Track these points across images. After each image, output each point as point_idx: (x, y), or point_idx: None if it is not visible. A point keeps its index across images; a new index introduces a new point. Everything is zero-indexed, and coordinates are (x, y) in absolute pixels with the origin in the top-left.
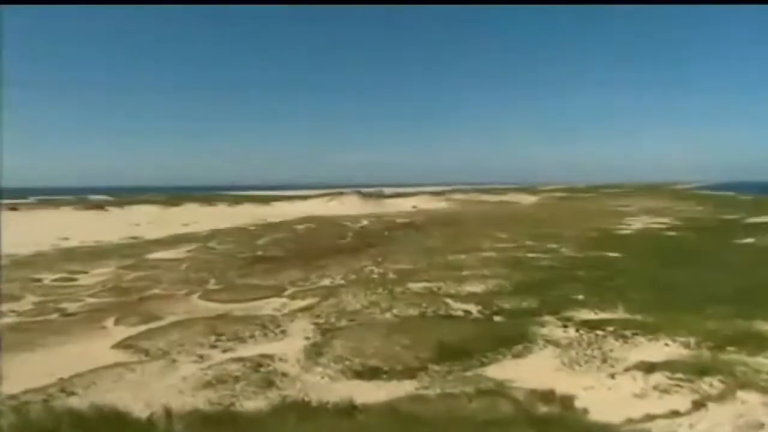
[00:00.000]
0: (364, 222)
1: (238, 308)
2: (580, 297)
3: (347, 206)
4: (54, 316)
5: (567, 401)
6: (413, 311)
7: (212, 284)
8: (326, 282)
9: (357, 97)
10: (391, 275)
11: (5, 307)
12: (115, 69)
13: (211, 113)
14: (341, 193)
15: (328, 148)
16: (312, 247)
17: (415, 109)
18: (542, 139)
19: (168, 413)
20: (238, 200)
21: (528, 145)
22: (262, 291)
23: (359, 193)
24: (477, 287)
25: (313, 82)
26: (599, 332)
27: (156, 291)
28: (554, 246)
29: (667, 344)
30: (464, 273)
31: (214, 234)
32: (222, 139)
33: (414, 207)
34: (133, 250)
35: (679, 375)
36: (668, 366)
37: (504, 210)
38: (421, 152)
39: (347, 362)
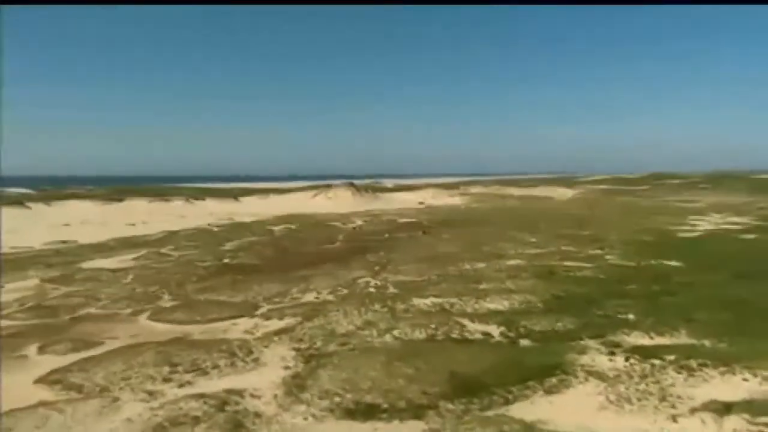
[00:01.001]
0: (358, 222)
1: (198, 331)
2: (631, 317)
3: (337, 202)
4: None
5: None
6: (419, 333)
7: (166, 300)
8: (310, 297)
9: (349, 61)
10: (392, 289)
11: None
12: (53, 52)
13: (162, 87)
14: (329, 186)
15: (310, 129)
16: (293, 254)
17: (422, 77)
18: (583, 118)
19: None
20: (198, 194)
21: (564, 124)
22: (229, 309)
23: (352, 185)
24: (499, 304)
25: (287, 44)
26: (656, 362)
27: (92, 310)
28: (597, 252)
29: (745, 379)
30: (483, 286)
31: (168, 237)
32: (173, 119)
33: (421, 203)
34: (62, 258)
35: (764, 419)
36: (748, 407)
37: (534, 206)
38: (430, 134)
39: (336, 398)
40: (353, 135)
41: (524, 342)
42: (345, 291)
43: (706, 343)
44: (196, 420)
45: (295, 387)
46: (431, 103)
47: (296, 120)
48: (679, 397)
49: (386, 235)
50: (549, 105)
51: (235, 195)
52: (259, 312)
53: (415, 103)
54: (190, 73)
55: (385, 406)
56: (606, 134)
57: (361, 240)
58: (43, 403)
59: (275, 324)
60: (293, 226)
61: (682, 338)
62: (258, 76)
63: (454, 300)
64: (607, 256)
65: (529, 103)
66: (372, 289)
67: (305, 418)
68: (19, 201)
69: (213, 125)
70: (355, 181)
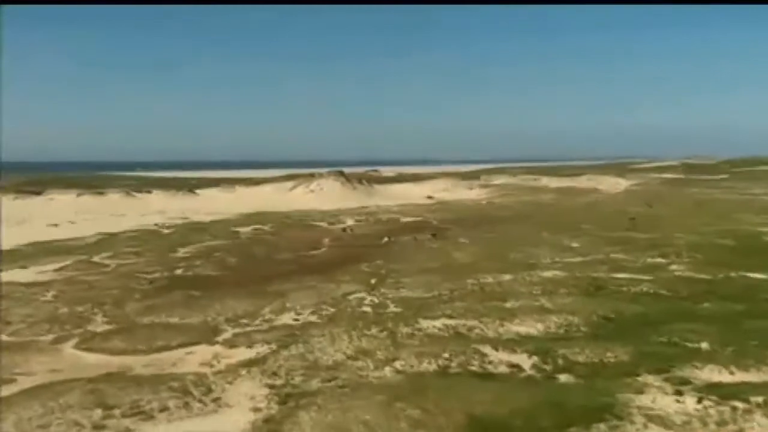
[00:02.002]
0: (350, 221)
1: (141, 363)
2: (704, 345)
3: (322, 196)
4: None
5: None
6: (428, 365)
7: (98, 324)
8: (287, 318)
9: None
10: (393, 307)
11: None
12: None
13: (96, 55)
14: (312, 176)
15: (284, 99)
16: (265, 263)
17: (436, 35)
18: (645, 91)
19: None
20: (142, 186)
21: (619, 98)
22: (181, 334)
23: (341, 175)
24: (531, 327)
25: None
26: (738, 404)
27: (2, 336)
28: (659, 260)
29: None
30: (510, 304)
31: (102, 241)
32: (111, 90)
33: (429, 198)
34: None
35: None
36: None
37: (576, 201)
38: (443, 108)
39: None
40: (342, 105)
41: (564, 377)
42: (332, 310)
43: None
44: None
45: None
46: (445, 67)
47: (267, 85)
48: None
49: (385, 239)
50: (600, 72)
51: (190, 187)
52: (220, 338)
53: (423, 67)
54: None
55: None
56: (672, 114)
57: (353, 245)
58: None
59: (242, 353)
60: (266, 227)
61: None
62: (217, 26)
63: (472, 322)
64: (672, 266)
65: (573, 69)
66: (367, 308)
67: None
68: None
69: (149, 95)
70: (346, 170)
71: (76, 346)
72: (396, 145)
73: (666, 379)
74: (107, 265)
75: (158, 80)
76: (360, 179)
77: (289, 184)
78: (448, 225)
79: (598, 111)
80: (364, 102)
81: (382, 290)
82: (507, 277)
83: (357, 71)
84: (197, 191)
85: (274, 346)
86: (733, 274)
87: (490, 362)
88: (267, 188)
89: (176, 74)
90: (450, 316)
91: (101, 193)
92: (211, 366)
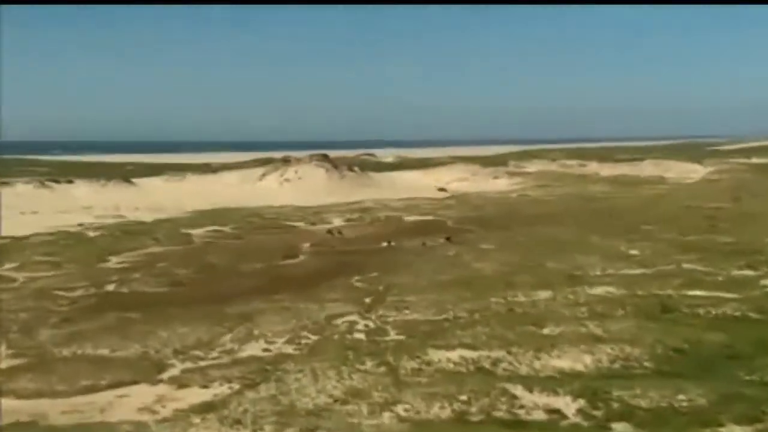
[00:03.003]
0: (337, 221)
1: (60, 408)
2: None
3: (301, 188)
4: None
5: None
6: (440, 410)
7: (1, 357)
8: (255, 349)
9: None
10: (394, 334)
11: None
12: None
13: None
14: (287, 161)
15: (255, 64)
16: (226, 276)
17: None
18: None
19: None
20: (61, 173)
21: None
22: (114, 370)
23: (326, 159)
24: (577, 361)
25: None
26: None
27: None
28: (746, 273)
29: None
30: (549, 330)
31: (7, 248)
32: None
33: (442, 189)
34: None
35: None
36: None
37: (636, 194)
38: (459, 73)
39: None
40: (329, 71)
41: (620, 427)
42: (313, 338)
43: None
44: None
45: None
46: (459, 21)
47: (229, 42)
48: None
49: (384, 244)
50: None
51: (126, 175)
52: (166, 375)
53: (430, 25)
54: None
55: None
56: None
57: (341, 252)
58: None
59: (195, 395)
60: (226, 229)
61: None
62: None
63: (498, 353)
64: (765, 281)
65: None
66: (360, 335)
67: None
68: None
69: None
70: (332, 153)
71: None
72: (397, 121)
73: (758, 431)
74: (13, 280)
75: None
76: (350, 165)
77: (258, 171)
78: (467, 225)
79: (665, 77)
80: (355, 62)
81: (380, 312)
82: (544, 294)
83: (345, 19)
84: (135, 180)
85: (236, 386)
86: None
87: (523, 407)
88: (229, 177)
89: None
90: (469, 346)
91: (4, 183)
92: (154, 412)
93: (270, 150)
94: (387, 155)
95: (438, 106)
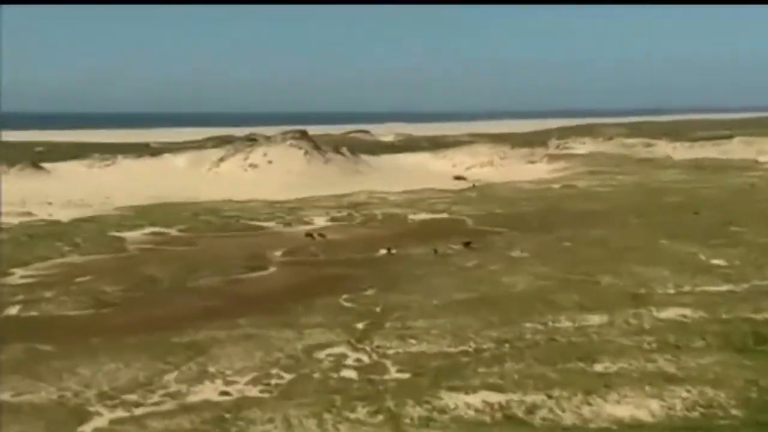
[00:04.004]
0: (320, 220)
1: None
2: None
3: (272, 175)
4: None
5: None
6: None
7: None
8: (209, 391)
9: None
10: (395, 372)
11: None
12: None
13: None
14: (253, 139)
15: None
16: (170, 294)
17: None
18: None
19: None
20: None
21: None
22: (17, 421)
23: (304, 138)
24: (641, 408)
25: None
26: None
27: None
28: None
29: None
30: (603, 367)
31: None
32: None
33: (460, 178)
34: None
35: None
36: None
37: (722, 184)
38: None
39: None
40: (306, 19)
41: None
42: (288, 377)
43: None
44: None
45: None
46: None
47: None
48: None
49: (383, 251)
50: None
51: (35, 158)
52: (89, 427)
53: None
54: None
55: None
56: None
57: (325, 262)
58: None
59: None
60: (172, 231)
61: None
62: None
63: (534, 397)
64: None
65: None
66: (350, 373)
67: None
68: None
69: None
70: (313, 129)
71: None
72: (399, 87)
73: None
74: None
75: None
76: (337, 146)
77: (214, 154)
78: (493, 226)
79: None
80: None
81: (377, 341)
82: (597, 318)
83: None
84: (47, 166)
85: None
86: None
87: None
88: (174, 161)
89: None
90: (496, 388)
91: None
92: None
93: (230, 125)
94: (386, 132)
95: (451, 68)
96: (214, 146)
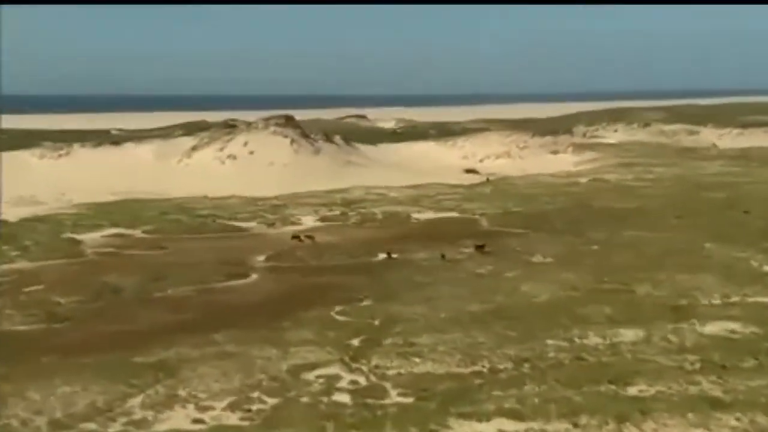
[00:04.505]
0: (308, 220)
1: None
2: None
3: (253, 168)
4: None
5: None
6: None
7: None
8: (180, 419)
9: None
10: (396, 394)
11: None
12: None
13: None
14: (231, 126)
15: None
16: (135, 306)
17: None
18: None
19: None
20: None
21: None
22: None
23: (290, 124)
24: None
25: None
26: None
27: None
28: None
29: None
30: (637, 390)
31: None
32: None
33: (472, 171)
34: None
35: None
36: None
37: None
38: None
39: None
40: None
41: None
42: (271, 401)
43: None
44: None
45: None
46: None
47: None
48: None
49: (382, 256)
50: None
51: None
52: None
53: None
54: None
55: None
56: None
57: (315, 269)
58: None
59: None
60: (136, 233)
61: None
62: None
63: (558, 425)
64: None
65: None
66: (343, 397)
67: None
68: None
69: None
70: (300, 114)
71: None
72: (401, 67)
73: None
74: None
75: None
76: (329, 134)
77: (185, 142)
78: (511, 227)
79: None
80: None
81: (375, 361)
82: (631, 333)
83: None
84: None
85: None
86: None
87: None
88: (140, 151)
89: None
90: (514, 414)
91: None
92: None
93: (203, 109)
94: (386, 118)
95: (459, 44)
96: (184, 134)
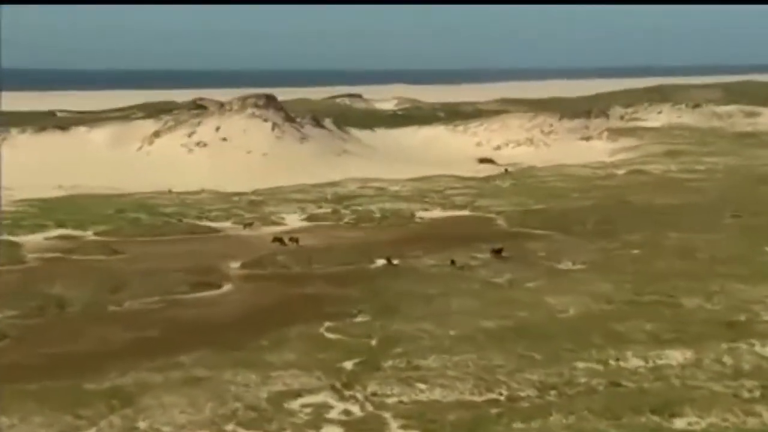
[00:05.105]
0: (293, 219)
1: None
2: None
3: (227, 158)
4: None
5: None
6: None
7: None
8: None
9: None
10: (397, 427)
11: None
12: None
13: None
14: (201, 106)
15: None
16: (86, 322)
17: None
18: None
19: None
20: None
21: None
22: None
23: (270, 106)
24: None
25: None
26: None
27: None
28: None
29: None
30: (685, 422)
31: None
32: None
33: (487, 160)
34: None
35: None
36: None
37: None
38: None
39: None
40: None
41: None
42: None
43: None
44: None
45: None
46: None
47: None
48: None
49: (380, 262)
50: None
51: None
52: None
53: None
54: None
55: None
56: None
57: (300, 277)
58: None
59: None
60: (87, 235)
61: None
62: None
63: None
64: None
65: None
66: (334, 430)
67: None
68: None
69: None
70: (284, 94)
71: None
72: (401, 39)
73: None
74: None
75: None
76: (317, 118)
77: (146, 126)
78: (533, 228)
79: None
80: None
81: (372, 387)
82: (677, 355)
83: None
84: None
85: None
86: None
87: None
88: (91, 137)
89: None
90: None
91: None
92: None
93: (169, 87)
94: (386, 98)
95: (473, 10)
96: (145, 116)
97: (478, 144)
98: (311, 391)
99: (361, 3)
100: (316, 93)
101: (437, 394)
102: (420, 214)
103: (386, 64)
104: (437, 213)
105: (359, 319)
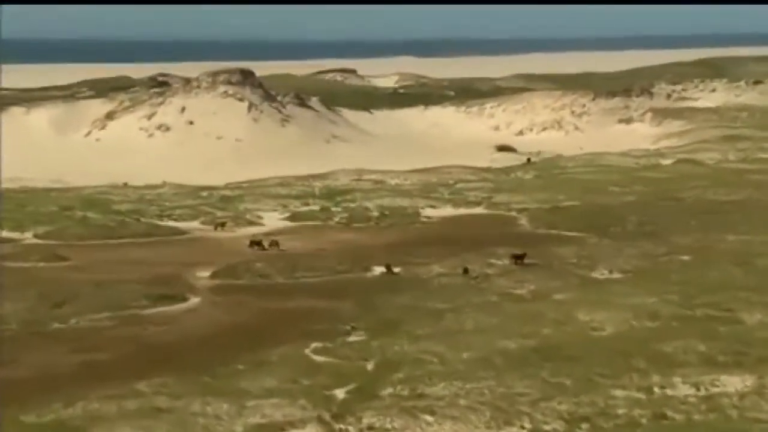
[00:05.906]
0: (273, 218)
1: None
2: None
3: (195, 144)
4: None
5: None
6: None
7: None
8: None
9: None
10: None
11: None
12: None
13: None
14: (164, 84)
15: None
16: (25, 342)
17: None
18: None
19: None
20: None
21: None
22: None
23: (247, 84)
24: None
25: None
26: None
27: None
28: None
29: None
30: None
31: None
32: None
33: (505, 148)
34: None
35: None
36: None
37: None
38: None
39: None
40: None
41: None
42: None
43: None
44: None
45: None
46: None
47: None
48: None
49: (379, 270)
50: None
51: None
52: None
53: None
54: None
55: None
56: None
57: (282, 288)
58: None
59: None
60: (27, 237)
61: None
62: None
63: None
64: None
65: None
66: None
67: None
68: None
69: None
70: (263, 68)
71: None
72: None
73: None
74: None
75: None
76: (302, 97)
77: (96, 107)
78: (563, 229)
79: None
80: None
81: (368, 419)
82: (736, 381)
83: None
84: None
85: None
86: None
87: None
88: (31, 120)
89: None
90: None
91: None
92: None
93: (125, 60)
94: (384, 73)
95: None
96: (95, 95)
97: (496, 128)
98: (295, 424)
99: None
100: (301, 68)
101: (447, 428)
102: (426, 212)
103: (385, 33)
104: (447, 211)
105: (353, 338)
